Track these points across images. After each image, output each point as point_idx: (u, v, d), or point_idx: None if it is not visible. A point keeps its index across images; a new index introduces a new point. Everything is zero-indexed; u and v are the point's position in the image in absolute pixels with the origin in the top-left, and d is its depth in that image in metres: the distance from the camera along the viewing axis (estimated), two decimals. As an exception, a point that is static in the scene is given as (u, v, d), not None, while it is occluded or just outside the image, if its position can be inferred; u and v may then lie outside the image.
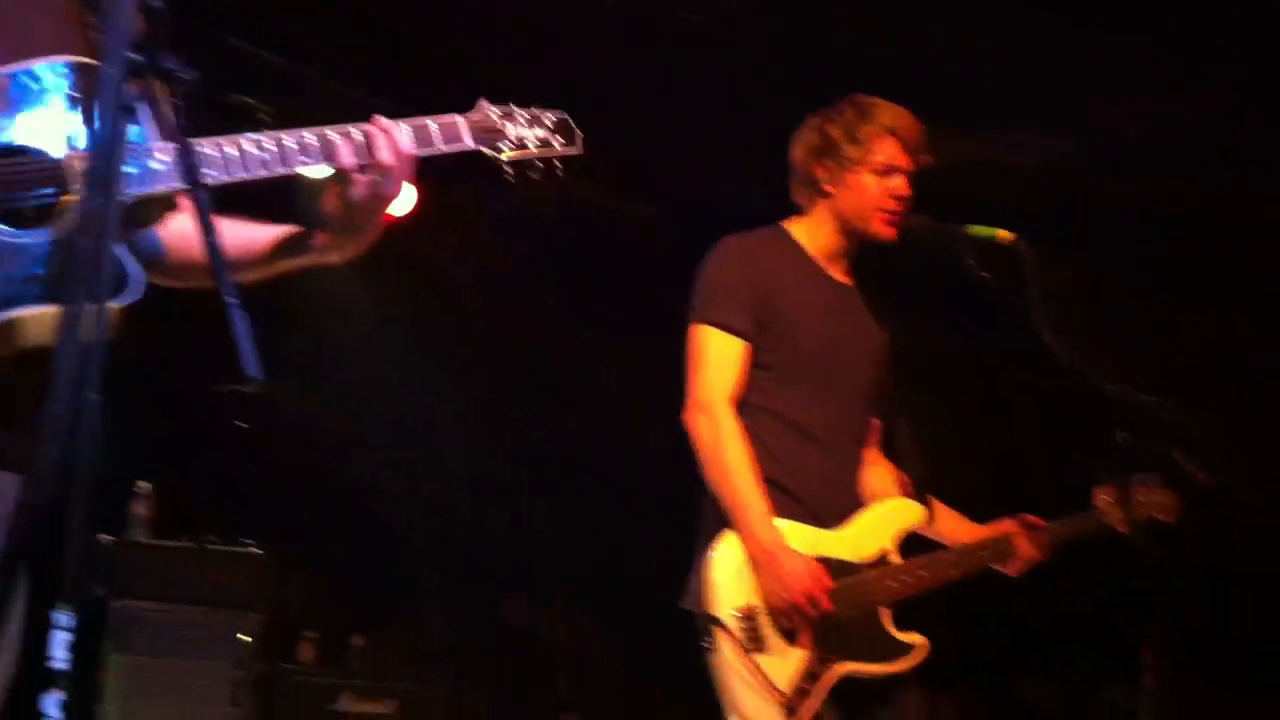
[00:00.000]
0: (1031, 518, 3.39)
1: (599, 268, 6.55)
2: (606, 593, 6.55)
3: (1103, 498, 3.41)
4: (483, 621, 6.49)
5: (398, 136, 2.07)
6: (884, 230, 3.25)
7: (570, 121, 2.31)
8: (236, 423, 5.60)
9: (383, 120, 2.08)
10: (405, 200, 6.34)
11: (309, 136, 2.05)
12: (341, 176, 2.06)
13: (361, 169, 2.05)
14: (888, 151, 3.23)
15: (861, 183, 3.24)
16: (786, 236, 3.34)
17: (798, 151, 3.35)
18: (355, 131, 2.07)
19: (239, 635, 5.26)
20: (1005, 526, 3.37)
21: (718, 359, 3.14)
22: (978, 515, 3.44)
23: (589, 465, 6.74)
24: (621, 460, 6.52)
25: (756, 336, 3.17)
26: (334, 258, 2.18)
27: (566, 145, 2.28)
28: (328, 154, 2.05)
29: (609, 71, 5.09)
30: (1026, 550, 3.34)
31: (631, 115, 5.40)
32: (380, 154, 2.05)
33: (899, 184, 3.24)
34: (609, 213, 6.39)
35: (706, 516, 3.11)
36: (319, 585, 6.39)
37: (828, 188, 3.28)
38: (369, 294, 6.60)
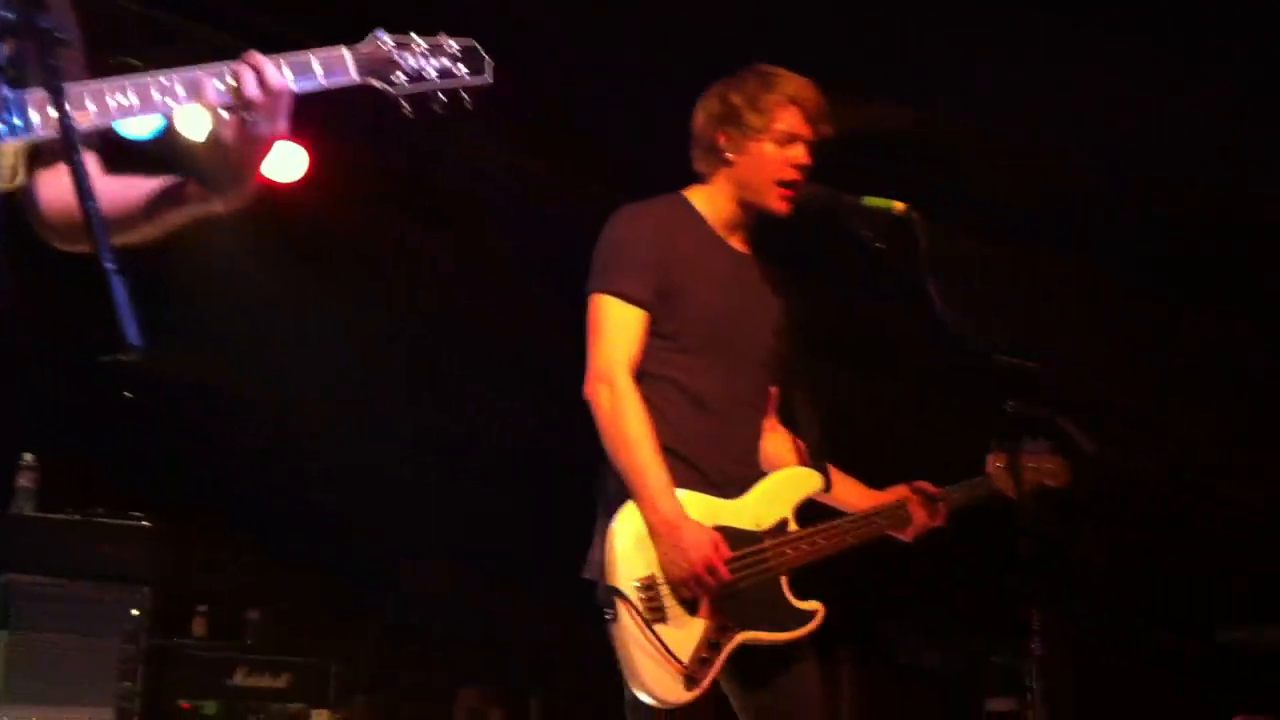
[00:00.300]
0: (926, 484, 3.45)
1: (510, 230, 6.53)
2: (507, 560, 6.55)
3: (994, 464, 3.47)
4: (380, 591, 6.45)
5: (268, 71, 1.97)
6: (779, 205, 3.26)
7: (479, 49, 2.16)
8: (124, 393, 5.48)
9: (254, 55, 1.99)
10: (294, 164, 6.24)
11: (174, 78, 1.96)
12: (212, 118, 1.97)
13: (232, 108, 1.96)
14: (789, 120, 3.24)
15: (762, 151, 3.24)
16: (686, 204, 3.34)
17: (699, 118, 3.35)
18: (223, 69, 1.98)
19: (129, 609, 5.16)
20: (900, 493, 3.42)
21: (617, 328, 3.13)
22: (874, 481, 3.49)
23: (488, 433, 6.73)
24: (523, 427, 6.52)
25: (656, 305, 3.17)
26: (215, 207, 2.08)
27: (474, 74, 2.13)
28: (194, 92, 1.95)
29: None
30: (922, 517, 3.40)
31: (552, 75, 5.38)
32: (249, 90, 1.96)
33: (799, 153, 3.25)
34: (519, 172, 6.35)
35: (608, 487, 3.11)
36: (212, 558, 6.29)
37: (729, 155, 3.28)
38: (260, 257, 6.49)
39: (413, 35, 2.12)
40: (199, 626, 5.86)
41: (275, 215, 6.26)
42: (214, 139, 1.99)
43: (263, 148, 2.02)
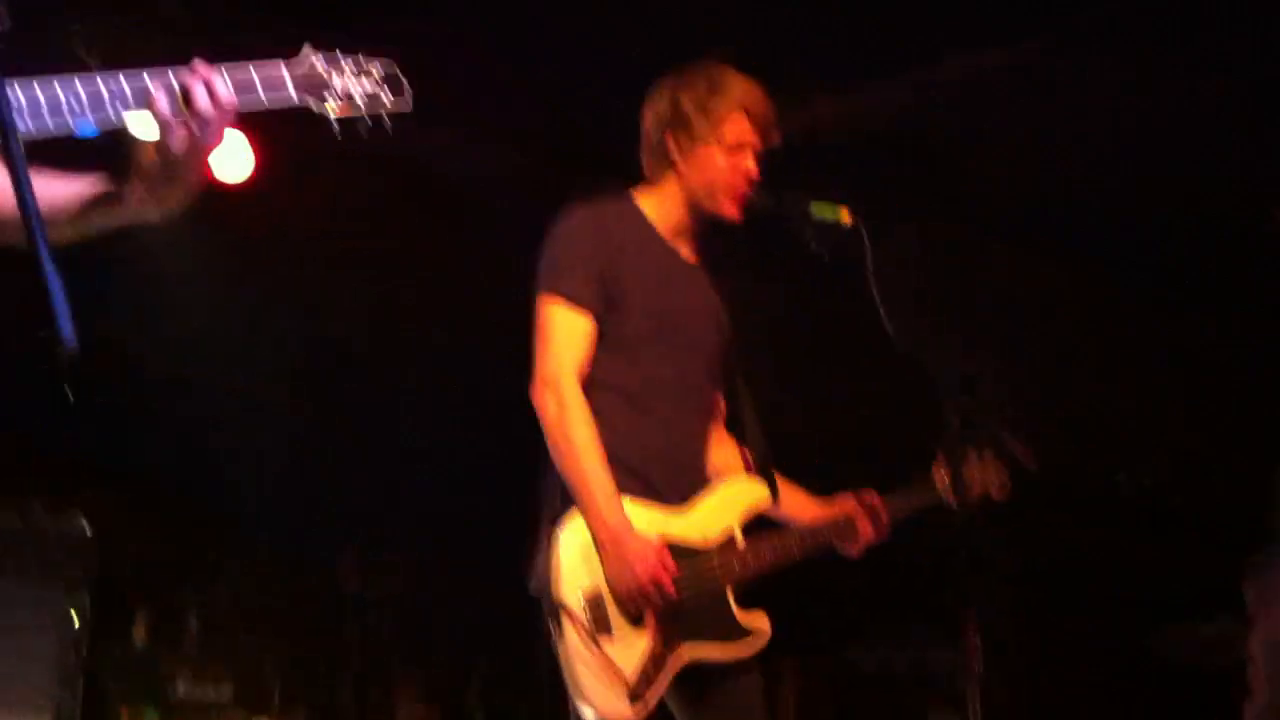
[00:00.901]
0: (871, 496, 3.43)
1: (437, 223, 6.50)
2: (446, 561, 6.52)
3: (938, 473, 3.49)
4: (318, 591, 6.39)
5: (217, 85, 1.98)
6: (729, 209, 3.25)
7: (399, 74, 2.20)
8: (65, 391, 5.38)
9: (202, 66, 1.99)
10: (242, 165, 6.17)
11: (124, 82, 1.95)
12: (160, 126, 1.97)
13: (178, 118, 1.96)
14: (738, 128, 3.22)
15: (711, 158, 3.22)
16: (634, 207, 3.30)
17: (648, 119, 3.32)
18: (172, 77, 1.97)
19: (69, 614, 5.09)
20: (846, 504, 3.40)
21: (564, 333, 3.10)
22: (820, 490, 3.48)
23: (429, 429, 6.69)
24: (466, 426, 6.49)
25: (603, 311, 3.14)
26: (151, 215, 2.08)
27: (396, 101, 2.17)
28: (143, 102, 1.95)
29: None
30: (867, 532, 3.38)
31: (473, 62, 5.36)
32: (200, 102, 1.96)
33: (748, 161, 3.24)
34: (446, 164, 6.32)
35: (553, 495, 3.08)
36: (153, 562, 6.21)
37: (676, 160, 3.26)
38: (206, 255, 6.44)
39: (339, 53, 2.16)
40: (140, 633, 5.78)
41: (222, 214, 6.22)
42: (161, 147, 1.99)
43: (204, 156, 2.04)
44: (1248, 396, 4.94)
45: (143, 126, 2.05)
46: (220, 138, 2.01)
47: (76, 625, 5.10)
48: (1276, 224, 4.76)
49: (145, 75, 1.97)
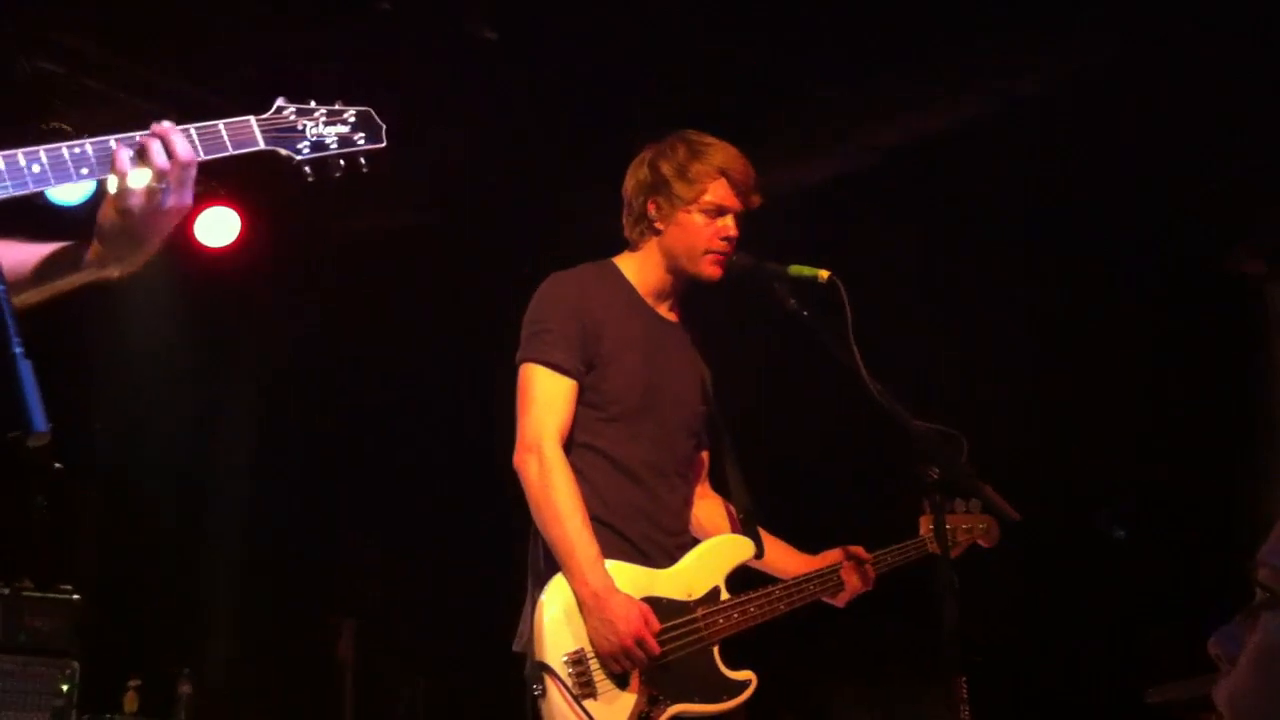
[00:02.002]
0: (857, 549, 3.46)
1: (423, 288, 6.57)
2: (438, 628, 6.51)
3: (926, 526, 3.51)
4: (317, 660, 6.36)
5: (175, 142, 2.01)
6: (710, 270, 3.29)
7: (373, 115, 2.26)
8: (54, 464, 5.40)
9: (162, 125, 2.02)
10: (226, 229, 6.24)
11: (86, 146, 1.98)
12: (118, 187, 1.99)
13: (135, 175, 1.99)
14: (719, 192, 3.27)
15: (691, 221, 3.27)
16: (615, 272, 3.36)
17: (629, 185, 3.38)
18: (132, 138, 2.00)
19: (58, 684, 5.06)
20: (832, 557, 3.43)
21: (546, 398, 3.13)
22: (806, 545, 3.50)
23: (419, 495, 6.70)
24: (455, 491, 6.50)
25: (584, 375, 3.18)
26: (112, 272, 2.10)
27: (370, 140, 2.23)
28: (105, 163, 1.98)
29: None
30: (854, 583, 3.41)
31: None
32: (156, 159, 1.99)
33: (728, 224, 3.28)
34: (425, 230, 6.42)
35: (538, 559, 3.10)
36: (142, 632, 6.18)
37: (658, 225, 3.31)
38: (189, 321, 6.49)
39: (312, 102, 2.22)
40: (130, 701, 5.74)
41: (207, 279, 6.29)
42: (121, 206, 2.00)
43: (168, 218, 2.05)
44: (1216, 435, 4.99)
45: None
46: (181, 196, 2.02)
47: (66, 693, 5.07)
48: (1237, 262, 4.83)
49: (111, 139, 2.00)
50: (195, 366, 6.56)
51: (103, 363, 6.38)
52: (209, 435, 6.72)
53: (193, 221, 6.20)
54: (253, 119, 2.14)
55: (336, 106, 2.23)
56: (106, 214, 2.03)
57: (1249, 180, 4.84)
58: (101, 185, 2.04)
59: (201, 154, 2.06)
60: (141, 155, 1.99)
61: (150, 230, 2.05)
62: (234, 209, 6.20)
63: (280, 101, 2.19)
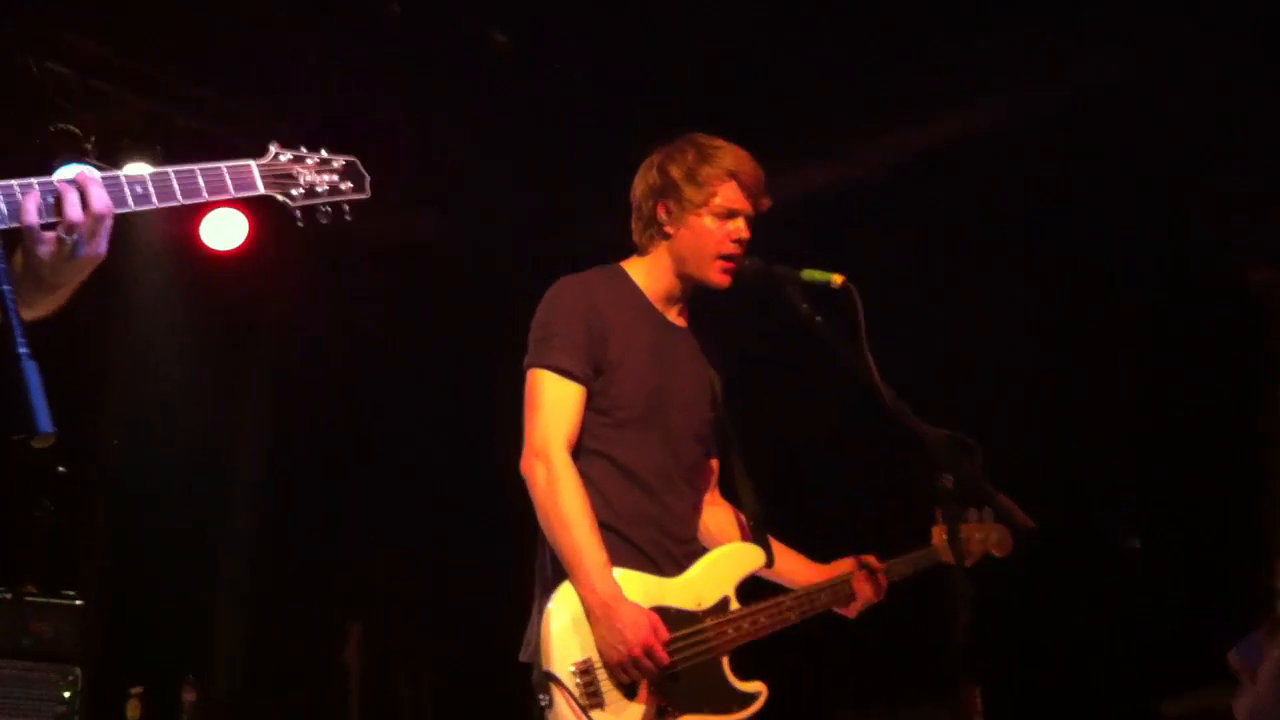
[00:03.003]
0: (870, 558, 3.41)
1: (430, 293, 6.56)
2: (447, 633, 6.48)
3: (939, 536, 3.46)
4: (323, 663, 6.33)
5: (93, 194, 1.98)
6: (719, 278, 3.25)
7: (359, 166, 2.38)
8: (59, 469, 5.40)
9: (85, 174, 2.00)
10: (234, 232, 6.22)
11: None
12: (26, 233, 1.95)
13: (51, 225, 1.95)
14: (728, 195, 3.24)
15: (701, 225, 3.23)
16: (624, 277, 3.32)
17: (638, 189, 3.34)
18: (41, 185, 1.97)
19: (61, 690, 5.04)
20: (844, 566, 3.39)
21: (554, 404, 3.09)
22: (817, 554, 3.46)
23: (426, 500, 6.68)
24: (463, 496, 6.48)
25: (592, 380, 3.14)
26: (25, 315, 1.99)
27: (355, 190, 2.35)
28: (14, 210, 1.94)
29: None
30: (866, 592, 3.37)
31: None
32: (70, 211, 1.95)
33: (738, 227, 3.25)
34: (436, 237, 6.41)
35: (545, 566, 3.06)
36: (146, 638, 6.16)
37: (668, 229, 3.27)
38: (196, 325, 6.48)
39: (304, 150, 2.34)
40: (133, 708, 5.71)
41: (215, 282, 6.28)
42: (28, 254, 1.97)
43: (81, 267, 2.01)
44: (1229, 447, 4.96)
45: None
46: (94, 247, 1.99)
47: (70, 700, 5.05)
48: (1248, 281, 4.79)
49: (15, 185, 1.96)
50: (202, 370, 6.55)
51: (110, 367, 6.37)
52: (216, 439, 6.70)
53: (200, 224, 6.19)
54: (253, 163, 2.25)
55: (324, 155, 2.35)
56: (16, 259, 1.99)
57: (1253, 182, 4.81)
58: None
59: (206, 196, 2.16)
60: (56, 205, 1.96)
61: (60, 279, 2.02)
62: (242, 211, 6.18)
63: (274, 148, 2.30)
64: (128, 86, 5.41)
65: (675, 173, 3.26)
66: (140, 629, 6.14)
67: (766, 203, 3.31)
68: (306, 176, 2.30)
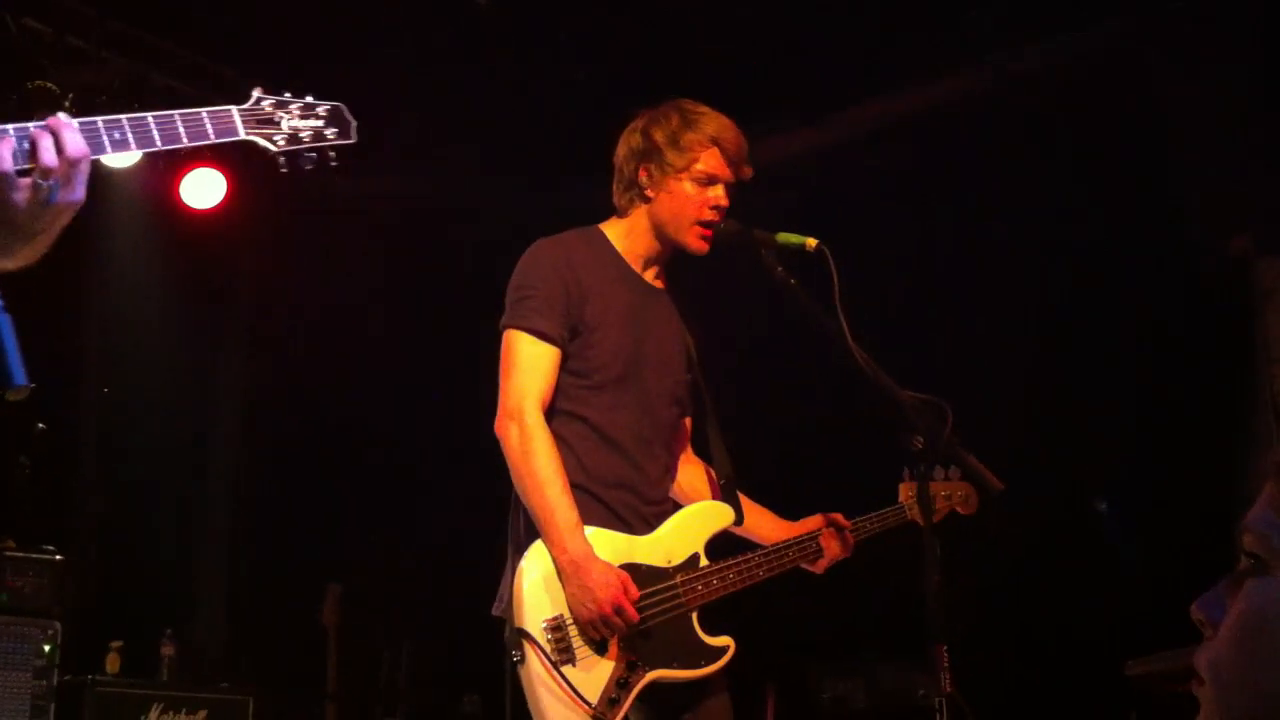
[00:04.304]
0: (838, 516, 3.45)
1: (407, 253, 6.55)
2: (424, 592, 6.51)
3: (906, 494, 3.51)
4: (299, 623, 6.36)
5: (65, 137, 1.96)
6: (697, 244, 3.28)
7: (344, 111, 2.35)
8: (39, 425, 5.39)
9: (59, 119, 1.97)
10: (212, 190, 6.21)
11: None
12: (1, 179, 1.93)
13: (26, 171, 1.94)
14: (710, 161, 3.25)
15: (681, 190, 3.26)
16: (602, 239, 3.34)
17: (621, 151, 3.36)
18: (16, 131, 1.95)
19: (40, 644, 5.06)
20: (812, 524, 3.42)
21: (528, 365, 3.12)
22: (787, 510, 3.50)
23: (404, 460, 6.70)
24: (438, 456, 6.50)
25: (567, 342, 3.17)
26: (5, 264, 2.03)
27: (340, 136, 2.32)
28: None
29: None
30: (833, 549, 3.40)
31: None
32: (44, 156, 1.93)
33: (718, 194, 3.27)
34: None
35: (518, 525, 3.09)
36: (124, 592, 6.18)
37: (648, 192, 3.29)
38: (172, 283, 6.47)
39: (288, 95, 2.30)
40: (112, 662, 5.74)
41: (194, 240, 6.27)
42: (3, 201, 1.95)
43: (56, 213, 1.99)
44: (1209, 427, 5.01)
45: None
46: (69, 193, 1.96)
47: (49, 653, 5.07)
48: (1228, 249, 4.84)
49: (3, 128, 1.95)
50: (182, 328, 6.55)
51: (91, 325, 6.36)
52: (196, 396, 6.70)
53: (179, 183, 6.18)
54: (234, 109, 2.20)
55: (309, 100, 2.31)
56: None
57: (1245, 163, 4.85)
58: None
59: (186, 142, 2.11)
60: (31, 150, 1.94)
61: (37, 226, 1.99)
62: (220, 170, 6.17)
63: (258, 93, 2.26)
64: (107, 44, 5.38)
65: (658, 136, 3.27)
66: (119, 583, 6.16)
67: (748, 171, 3.33)
68: (290, 122, 2.26)
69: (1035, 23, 5.11)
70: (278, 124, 2.25)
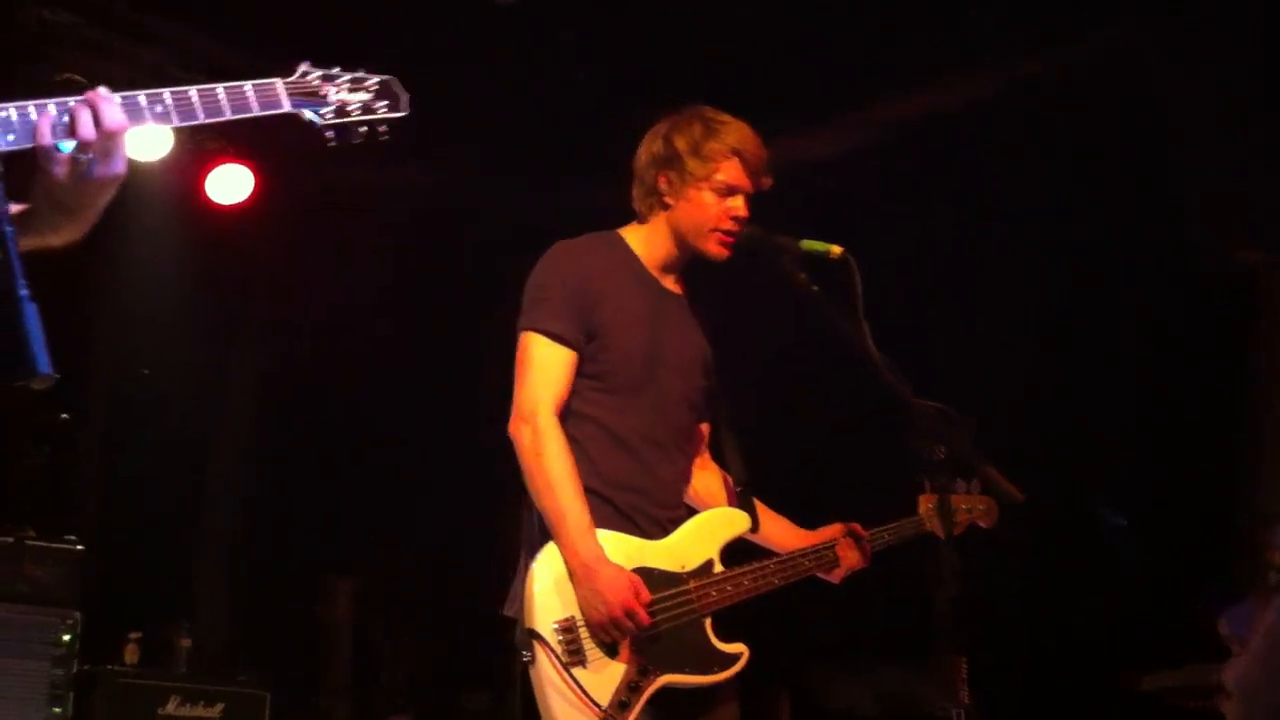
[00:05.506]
0: (855, 525, 3.44)
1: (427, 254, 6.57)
2: (433, 590, 6.52)
3: (925, 505, 3.49)
4: (309, 620, 6.39)
5: (104, 110, 1.94)
6: (716, 250, 3.27)
7: (396, 84, 2.28)
8: (61, 415, 5.43)
9: (100, 92, 1.97)
10: (239, 186, 6.24)
11: (10, 111, 1.93)
12: (41, 154, 1.93)
13: (67, 147, 1.93)
14: (731, 172, 3.24)
15: (701, 199, 3.25)
16: (621, 243, 3.34)
17: (642, 157, 3.35)
18: (57, 105, 1.95)
19: (60, 634, 5.08)
20: (829, 533, 3.41)
21: (544, 367, 3.12)
22: (805, 520, 3.48)
23: (417, 457, 6.71)
24: (451, 454, 6.51)
25: (584, 345, 3.16)
26: (51, 241, 2.04)
27: (391, 109, 2.25)
28: (27, 130, 1.92)
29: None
30: (850, 559, 3.39)
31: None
32: (83, 129, 1.93)
33: (738, 205, 3.26)
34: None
35: (532, 526, 3.09)
36: (145, 584, 6.21)
37: (668, 199, 3.28)
38: (199, 277, 6.50)
39: (337, 69, 2.23)
40: (130, 653, 5.77)
41: (219, 236, 6.30)
42: (44, 175, 1.96)
43: (97, 188, 1.99)
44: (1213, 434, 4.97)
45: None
46: (108, 166, 1.96)
47: (68, 643, 5.09)
48: (1236, 262, 4.79)
49: (31, 105, 1.95)
50: (204, 322, 6.57)
51: (113, 318, 6.39)
52: (215, 390, 6.73)
53: (205, 179, 6.21)
54: (279, 81, 2.15)
55: (360, 73, 2.25)
56: (36, 182, 1.98)
57: (1245, 163, 4.81)
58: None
59: (229, 114, 2.07)
60: (70, 125, 1.94)
61: (80, 201, 2.00)
62: (247, 166, 6.20)
63: (304, 66, 2.21)
64: (131, 37, 5.40)
65: (680, 144, 3.26)
66: (138, 575, 6.19)
67: (767, 182, 3.31)
68: (336, 95, 2.20)
69: (1036, 25, 5.08)
70: (324, 97, 2.19)
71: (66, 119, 1.94)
